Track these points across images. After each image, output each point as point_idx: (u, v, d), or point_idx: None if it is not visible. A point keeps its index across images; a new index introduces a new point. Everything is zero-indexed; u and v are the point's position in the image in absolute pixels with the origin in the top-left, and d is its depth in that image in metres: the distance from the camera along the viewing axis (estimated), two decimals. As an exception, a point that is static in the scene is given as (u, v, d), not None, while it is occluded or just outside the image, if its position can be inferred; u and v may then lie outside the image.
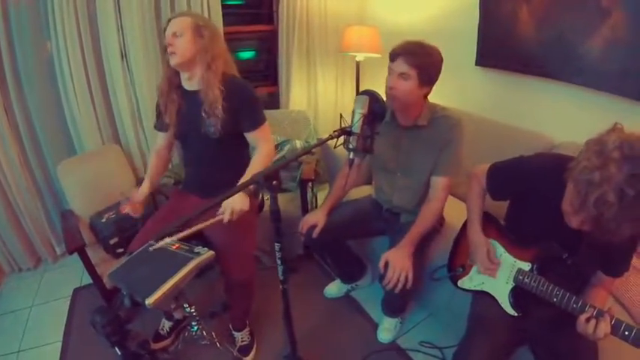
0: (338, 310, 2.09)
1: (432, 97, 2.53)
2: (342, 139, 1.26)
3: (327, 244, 1.91)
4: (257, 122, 1.61)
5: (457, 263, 1.54)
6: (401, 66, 1.48)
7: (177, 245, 1.32)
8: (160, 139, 1.79)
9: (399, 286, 1.46)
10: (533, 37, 1.97)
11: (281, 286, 1.32)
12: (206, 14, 2.40)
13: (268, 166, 1.20)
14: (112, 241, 2.00)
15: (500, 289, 1.33)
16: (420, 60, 1.47)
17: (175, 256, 1.27)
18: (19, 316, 2.16)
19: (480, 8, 2.17)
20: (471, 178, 1.48)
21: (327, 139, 1.25)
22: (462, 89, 2.43)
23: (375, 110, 1.35)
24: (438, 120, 1.60)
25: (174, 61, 1.49)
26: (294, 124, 2.73)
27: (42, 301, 2.26)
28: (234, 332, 1.83)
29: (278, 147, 2.53)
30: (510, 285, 1.30)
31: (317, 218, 1.75)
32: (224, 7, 2.57)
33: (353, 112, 1.26)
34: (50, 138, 2.33)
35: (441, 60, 1.53)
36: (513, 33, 2.05)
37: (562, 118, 1.98)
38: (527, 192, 1.25)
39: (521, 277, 1.26)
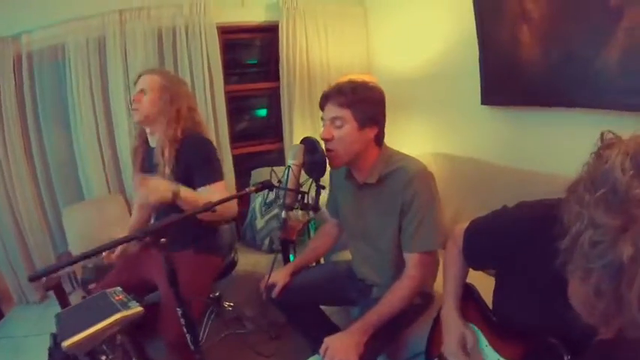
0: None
1: (438, 146, 2.31)
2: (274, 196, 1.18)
3: (295, 309, 1.69)
4: (209, 179, 1.57)
5: (434, 352, 1.19)
6: (331, 110, 1.27)
7: (119, 297, 1.35)
8: None
9: None
10: (539, 60, 1.69)
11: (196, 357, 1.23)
12: (207, 76, 2.56)
13: (156, 223, 1.09)
14: (90, 286, 2.09)
15: None
16: (351, 97, 1.24)
17: (110, 307, 1.29)
18: (14, 342, 2.35)
19: (477, 39, 1.95)
20: (449, 239, 1.17)
21: (242, 194, 1.17)
22: (469, 133, 2.23)
23: (316, 161, 1.26)
24: (391, 175, 1.31)
25: (135, 117, 1.59)
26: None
27: (38, 332, 2.42)
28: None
29: (272, 205, 2.53)
30: (493, 393, 0.95)
31: (277, 277, 1.56)
32: (244, 66, 2.72)
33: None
34: (63, 183, 2.56)
35: (380, 93, 1.31)
36: (517, 60, 1.78)
37: (588, 152, 1.64)
38: (511, 261, 0.88)
39: None
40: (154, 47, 2.48)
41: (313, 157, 1.23)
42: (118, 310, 1.24)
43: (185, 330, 1.12)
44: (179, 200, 1.41)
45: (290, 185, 1.19)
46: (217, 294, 2.15)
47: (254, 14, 2.76)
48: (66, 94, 2.41)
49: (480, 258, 1.03)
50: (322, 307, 1.80)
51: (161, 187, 1.39)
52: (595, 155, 0.56)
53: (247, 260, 2.31)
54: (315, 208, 1.22)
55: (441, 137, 2.49)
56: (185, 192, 1.44)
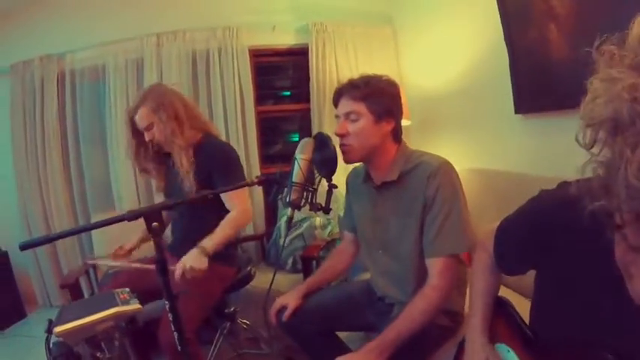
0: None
1: (473, 162, 2.21)
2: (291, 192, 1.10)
3: (307, 335, 1.52)
4: (230, 184, 1.56)
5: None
6: (345, 105, 1.23)
7: (124, 295, 1.33)
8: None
9: None
10: (570, 57, 1.57)
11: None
12: (239, 97, 2.65)
13: (149, 205, 1.06)
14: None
15: None
16: (364, 90, 1.20)
17: (109, 302, 1.28)
18: (32, 341, 2.38)
19: (506, 45, 1.87)
20: (476, 248, 1.03)
21: (242, 185, 1.15)
22: (504, 145, 2.12)
23: (326, 157, 1.19)
24: (413, 171, 1.21)
25: (163, 150, 1.65)
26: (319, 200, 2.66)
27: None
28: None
29: (297, 224, 2.49)
30: None
31: (287, 300, 1.44)
32: (277, 89, 2.76)
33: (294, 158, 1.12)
34: (96, 193, 2.67)
35: (394, 86, 1.27)
36: (548, 61, 1.67)
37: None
38: (551, 254, 0.71)
39: None
40: (188, 69, 2.61)
41: (323, 152, 1.17)
42: (115, 305, 1.24)
43: (172, 327, 1.05)
44: (216, 248, 1.48)
45: (296, 179, 1.12)
46: (232, 309, 2.06)
47: (284, 38, 2.84)
48: (104, 111, 2.56)
49: (515, 256, 0.85)
50: (340, 333, 1.61)
51: (191, 262, 1.39)
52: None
53: (268, 279, 2.22)
54: (326, 208, 1.13)
55: (476, 152, 2.39)
56: (211, 240, 1.48)
